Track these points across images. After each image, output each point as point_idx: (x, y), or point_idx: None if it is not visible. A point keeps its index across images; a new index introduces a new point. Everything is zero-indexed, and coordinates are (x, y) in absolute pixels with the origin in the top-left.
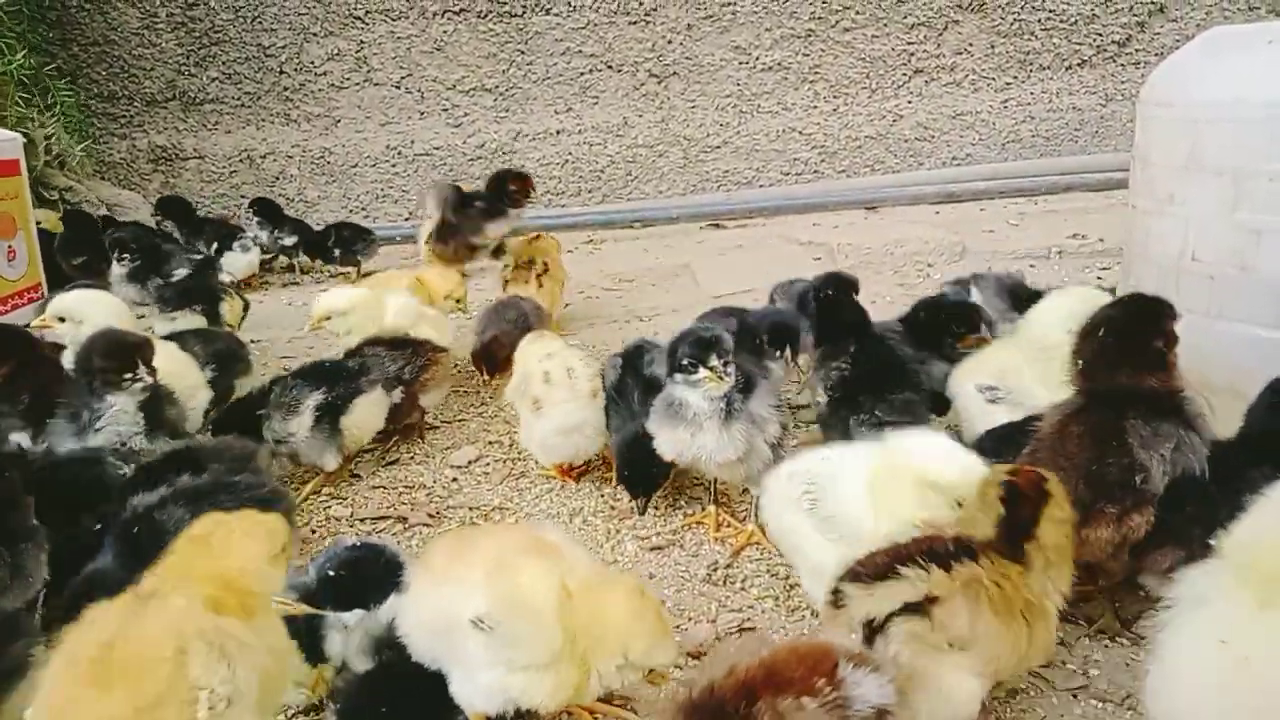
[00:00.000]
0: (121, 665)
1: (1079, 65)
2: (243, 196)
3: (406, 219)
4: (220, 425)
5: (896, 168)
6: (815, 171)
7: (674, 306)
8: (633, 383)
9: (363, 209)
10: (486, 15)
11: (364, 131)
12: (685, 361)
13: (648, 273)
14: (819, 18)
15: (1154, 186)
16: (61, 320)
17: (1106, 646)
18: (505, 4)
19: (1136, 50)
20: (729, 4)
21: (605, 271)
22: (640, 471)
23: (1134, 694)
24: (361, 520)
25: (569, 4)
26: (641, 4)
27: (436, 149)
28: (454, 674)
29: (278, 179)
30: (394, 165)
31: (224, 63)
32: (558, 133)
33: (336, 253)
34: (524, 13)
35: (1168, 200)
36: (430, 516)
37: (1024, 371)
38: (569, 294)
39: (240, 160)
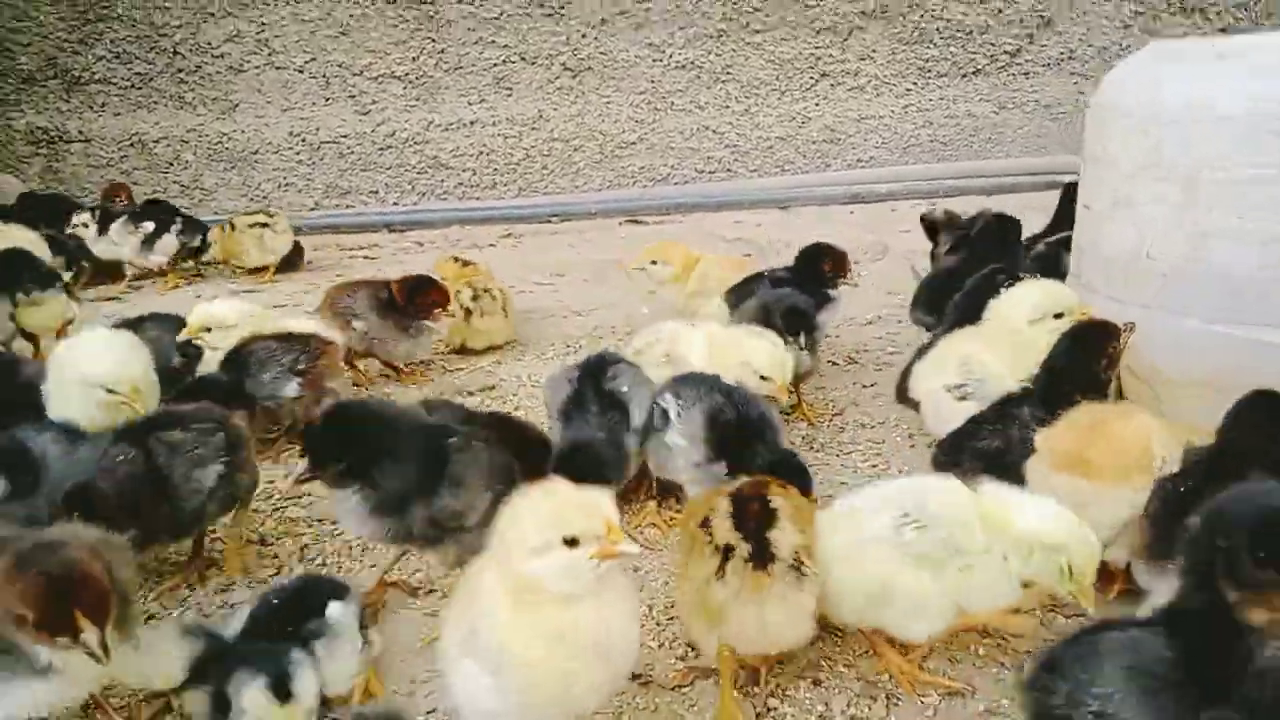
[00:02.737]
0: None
1: (974, 74)
2: (134, 183)
3: (312, 209)
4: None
5: (805, 168)
6: (728, 170)
7: (610, 301)
8: (592, 398)
9: (264, 198)
10: (396, 1)
11: (265, 116)
12: None
13: (576, 267)
14: (730, 18)
15: (1107, 187)
16: (208, 330)
17: None
18: None
19: (1026, 60)
20: (642, 1)
21: (532, 265)
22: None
23: None
24: (320, 520)
25: None
26: None
27: (344, 136)
28: None
29: (171, 165)
30: (298, 153)
31: (112, 41)
32: (471, 123)
33: None
34: (435, 0)
35: (1123, 201)
36: None
37: (987, 359)
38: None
39: (130, 145)
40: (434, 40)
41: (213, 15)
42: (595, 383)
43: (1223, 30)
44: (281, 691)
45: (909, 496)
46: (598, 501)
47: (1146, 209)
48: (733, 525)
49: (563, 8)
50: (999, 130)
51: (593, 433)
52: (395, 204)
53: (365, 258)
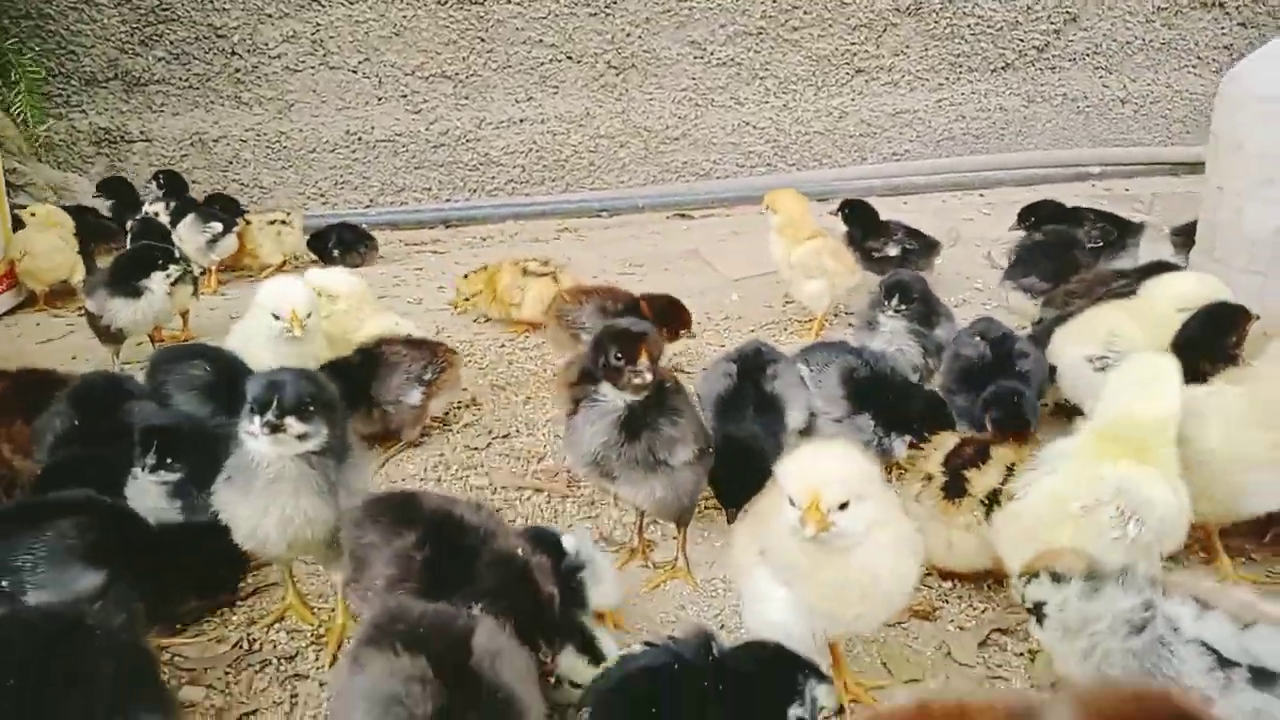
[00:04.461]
0: None
1: (1003, 68)
2: (194, 181)
3: (367, 206)
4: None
5: (843, 162)
6: (769, 164)
7: (699, 289)
8: (750, 397)
9: (321, 195)
10: (446, 2)
11: (320, 116)
12: None
13: (653, 258)
14: (769, 16)
15: (1249, 169)
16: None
17: None
18: None
19: (1053, 55)
20: (684, 0)
21: (609, 256)
22: (737, 479)
23: None
24: (504, 487)
25: None
26: None
27: (398, 135)
28: None
29: (230, 163)
30: (353, 151)
31: (172, 42)
32: (520, 121)
33: (336, 254)
34: (485, 0)
35: (1266, 182)
36: (568, 486)
37: (1133, 331)
38: (585, 276)
39: (190, 144)
40: (483, 40)
41: (269, 17)
42: (754, 381)
43: (1242, 25)
44: (594, 655)
45: (1117, 488)
46: (817, 479)
47: None
48: (941, 459)
49: (608, 7)
50: (1029, 123)
51: (750, 427)
52: (448, 200)
53: (433, 251)
